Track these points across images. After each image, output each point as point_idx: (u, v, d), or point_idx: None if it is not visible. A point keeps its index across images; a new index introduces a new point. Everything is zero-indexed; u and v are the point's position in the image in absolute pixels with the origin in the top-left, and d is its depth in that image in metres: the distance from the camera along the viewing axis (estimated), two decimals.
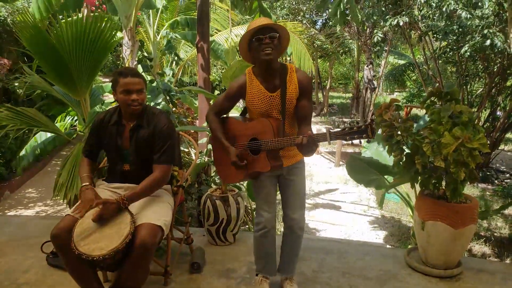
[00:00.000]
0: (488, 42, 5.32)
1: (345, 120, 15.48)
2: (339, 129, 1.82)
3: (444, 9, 5.21)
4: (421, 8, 6.22)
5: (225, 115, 2.24)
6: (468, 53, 5.74)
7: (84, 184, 2.03)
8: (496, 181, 7.44)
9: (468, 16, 5.11)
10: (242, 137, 2.10)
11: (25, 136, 3.51)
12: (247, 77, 2.05)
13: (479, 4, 5.11)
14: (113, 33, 3.06)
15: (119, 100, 2.06)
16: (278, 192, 2.24)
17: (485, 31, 5.37)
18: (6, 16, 6.78)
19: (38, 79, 3.25)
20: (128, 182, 2.13)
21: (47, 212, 4.78)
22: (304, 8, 13.94)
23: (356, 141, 9.29)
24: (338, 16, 3.83)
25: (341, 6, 3.78)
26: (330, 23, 14.72)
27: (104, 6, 4.68)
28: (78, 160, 2.83)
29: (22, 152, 3.36)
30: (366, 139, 1.81)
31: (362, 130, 1.77)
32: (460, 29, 5.81)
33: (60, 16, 6.35)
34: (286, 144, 1.93)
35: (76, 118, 5.26)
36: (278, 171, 2.12)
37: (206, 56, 4.21)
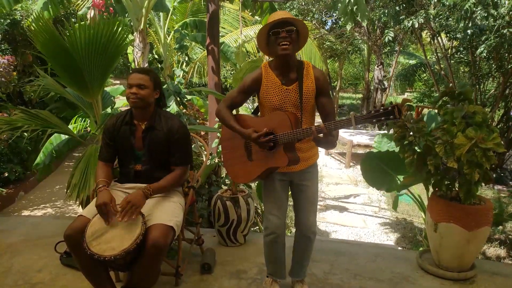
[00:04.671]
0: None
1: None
2: (364, 113, 1.75)
3: (463, 11, 5.09)
4: (434, 7, 6.13)
5: (235, 113, 2.22)
6: (484, 54, 5.64)
7: (99, 186, 2.02)
8: (511, 182, 7.30)
9: (484, 15, 5.00)
10: None
11: (38, 138, 3.57)
12: (263, 70, 2.02)
13: (498, 2, 4.99)
14: (125, 36, 3.10)
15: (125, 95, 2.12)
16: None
17: (505, 31, 5.26)
18: (20, 19, 6.91)
19: (51, 81, 3.31)
20: (140, 182, 2.14)
21: (61, 212, 4.85)
22: (314, 9, 13.90)
23: (367, 142, 9.22)
24: (348, 15, 3.83)
25: (350, 5, 3.77)
26: (340, 23, 14.66)
27: (112, 8, 4.73)
28: (91, 161, 2.87)
29: (40, 156, 3.42)
30: (393, 121, 1.75)
31: (389, 111, 1.70)
32: (477, 30, 5.68)
33: (73, 20, 6.45)
34: (304, 135, 1.86)
35: (87, 120, 5.33)
36: (290, 176, 2.08)
37: (217, 58, 4.23)
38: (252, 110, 2.27)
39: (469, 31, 5.62)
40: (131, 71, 2.14)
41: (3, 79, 5.21)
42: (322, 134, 1.83)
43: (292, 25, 1.89)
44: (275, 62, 2.02)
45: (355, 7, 3.76)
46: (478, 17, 5.09)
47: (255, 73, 2.04)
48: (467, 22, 5.40)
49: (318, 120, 2.07)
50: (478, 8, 4.99)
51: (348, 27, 3.91)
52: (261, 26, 2.49)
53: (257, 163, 2.03)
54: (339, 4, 3.88)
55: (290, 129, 1.89)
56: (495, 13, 5.02)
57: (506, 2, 5.08)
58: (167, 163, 2.17)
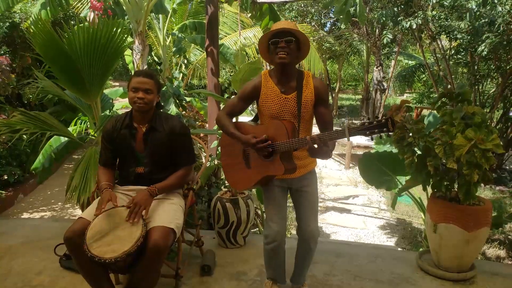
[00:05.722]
0: None
1: (355, 122, 15.37)
2: (358, 125, 1.76)
3: (471, 14, 5.09)
4: (432, 9, 6.15)
5: (235, 120, 2.23)
6: (485, 52, 5.63)
7: (102, 189, 2.04)
8: (510, 182, 7.31)
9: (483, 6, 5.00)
10: None
11: (37, 140, 3.57)
12: (262, 78, 2.04)
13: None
14: (124, 38, 3.10)
15: (128, 98, 2.12)
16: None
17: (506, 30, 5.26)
18: (19, 22, 6.90)
19: (50, 84, 3.31)
20: (141, 184, 2.14)
21: (60, 215, 4.85)
22: (313, 10, 13.93)
23: (366, 143, 9.23)
24: (344, 14, 3.84)
25: (347, 5, 3.79)
26: (339, 24, 14.69)
27: (110, 11, 4.72)
28: (91, 163, 2.87)
29: (39, 158, 3.41)
30: (387, 133, 1.75)
31: (383, 124, 1.71)
32: (487, 22, 5.61)
33: (72, 22, 6.45)
34: (299, 145, 1.88)
35: (86, 122, 5.32)
36: (289, 182, 2.09)
37: (216, 60, 4.23)
38: (253, 116, 2.27)
39: (478, 22, 5.55)
40: (134, 74, 2.14)
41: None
42: (316, 145, 1.84)
43: (292, 36, 1.90)
44: (275, 71, 2.03)
45: (352, 9, 3.78)
46: (473, 5, 5.08)
47: (254, 81, 2.06)
48: (472, 18, 5.39)
49: (315, 129, 2.08)
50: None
51: (343, 26, 3.96)
52: (260, 27, 2.51)
53: (255, 170, 2.04)
54: (335, 3, 3.89)
55: (286, 138, 1.91)
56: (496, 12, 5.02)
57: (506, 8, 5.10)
58: (169, 165, 2.17)
